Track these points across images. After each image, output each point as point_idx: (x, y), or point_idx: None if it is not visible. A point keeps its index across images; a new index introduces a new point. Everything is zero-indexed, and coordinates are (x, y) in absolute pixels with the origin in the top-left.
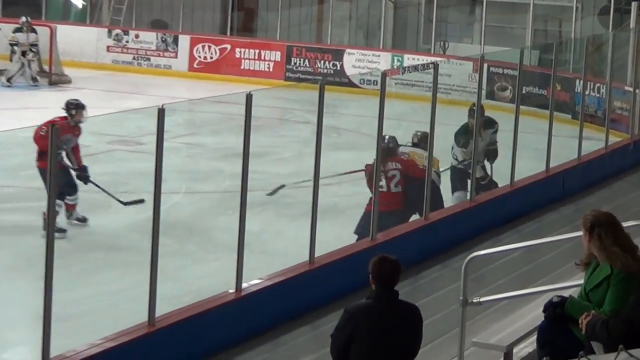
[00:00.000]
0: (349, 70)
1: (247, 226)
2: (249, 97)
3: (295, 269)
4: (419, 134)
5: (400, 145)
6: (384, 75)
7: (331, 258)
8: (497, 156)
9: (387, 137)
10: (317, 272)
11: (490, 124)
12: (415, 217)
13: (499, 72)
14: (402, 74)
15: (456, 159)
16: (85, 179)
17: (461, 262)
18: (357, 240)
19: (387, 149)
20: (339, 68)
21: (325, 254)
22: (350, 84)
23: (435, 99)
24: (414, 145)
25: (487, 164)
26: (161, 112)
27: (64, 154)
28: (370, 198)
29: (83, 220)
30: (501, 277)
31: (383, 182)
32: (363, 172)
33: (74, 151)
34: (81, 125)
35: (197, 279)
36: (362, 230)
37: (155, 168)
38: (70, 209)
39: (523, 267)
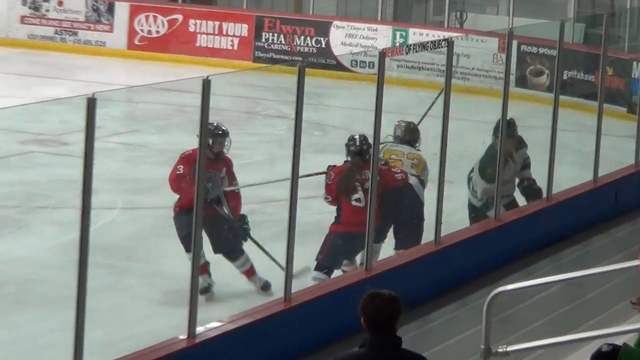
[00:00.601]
0: (337, 49)
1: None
2: (206, 84)
3: (266, 309)
4: (402, 124)
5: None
6: (383, 55)
7: (313, 294)
8: (540, 195)
9: (357, 137)
10: (294, 313)
11: (524, 145)
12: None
13: (533, 52)
14: (407, 53)
15: (474, 194)
16: (244, 233)
17: (483, 300)
18: (316, 271)
19: (360, 153)
20: (323, 46)
21: (306, 289)
22: (339, 66)
23: (450, 86)
24: (397, 139)
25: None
26: (92, 103)
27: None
28: (338, 216)
29: (266, 287)
30: (534, 320)
31: (360, 195)
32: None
33: (225, 195)
34: (228, 157)
35: (139, 321)
36: (328, 258)
37: (84, 176)
38: (251, 276)
39: (563, 307)
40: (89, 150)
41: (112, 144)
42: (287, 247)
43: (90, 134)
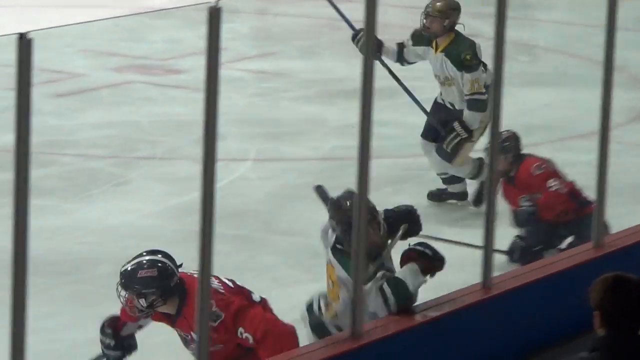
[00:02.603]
0: None
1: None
2: None
3: (464, 295)
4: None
5: None
6: None
7: (516, 282)
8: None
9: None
10: (494, 303)
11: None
12: None
13: None
14: None
15: None
16: None
17: None
18: None
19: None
20: None
21: (506, 274)
22: None
23: None
24: None
25: None
26: (215, 15)
27: None
28: None
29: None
30: None
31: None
32: None
33: None
34: None
35: (282, 313)
36: None
37: (206, 115)
38: None
39: None
40: (211, 80)
41: (239, 72)
42: (486, 224)
43: (212, 58)
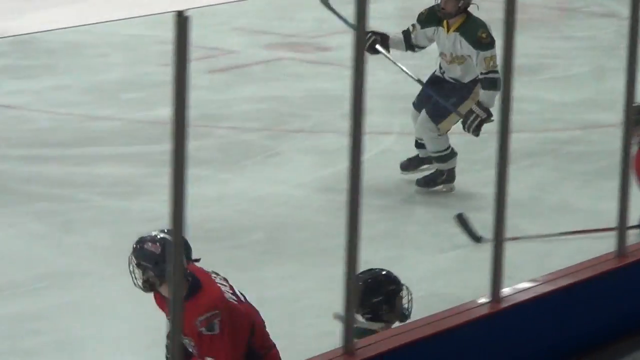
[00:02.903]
0: None
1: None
2: None
3: (597, 265)
4: None
5: None
6: None
7: None
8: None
9: None
10: (633, 270)
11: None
12: None
13: None
14: None
15: None
16: None
17: None
18: None
19: None
20: None
21: None
22: None
23: None
24: None
25: None
26: None
27: None
28: None
29: None
30: None
31: None
32: None
33: None
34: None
35: (423, 280)
36: None
37: (354, 90)
38: None
39: None
40: (357, 57)
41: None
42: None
43: (359, 36)
